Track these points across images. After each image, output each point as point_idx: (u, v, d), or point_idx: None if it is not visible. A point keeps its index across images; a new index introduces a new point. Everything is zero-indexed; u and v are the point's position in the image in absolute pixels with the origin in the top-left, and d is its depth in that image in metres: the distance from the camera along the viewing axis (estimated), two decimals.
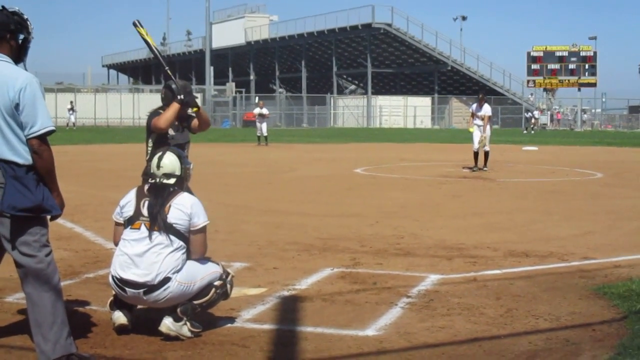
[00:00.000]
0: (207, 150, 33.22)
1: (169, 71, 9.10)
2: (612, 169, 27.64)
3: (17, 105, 5.84)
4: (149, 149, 8.91)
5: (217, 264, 7.19)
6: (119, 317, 6.91)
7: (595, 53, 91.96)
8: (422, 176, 24.14)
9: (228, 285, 7.10)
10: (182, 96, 8.67)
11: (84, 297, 8.23)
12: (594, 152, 40.57)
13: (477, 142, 25.52)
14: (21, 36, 6.17)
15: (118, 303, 6.97)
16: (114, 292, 7.00)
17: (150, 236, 6.80)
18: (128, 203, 7.06)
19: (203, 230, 6.91)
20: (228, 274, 7.16)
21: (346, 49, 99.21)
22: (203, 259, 7.06)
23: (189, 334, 6.82)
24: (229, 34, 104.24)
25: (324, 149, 41.29)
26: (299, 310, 7.47)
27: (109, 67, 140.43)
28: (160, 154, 7.13)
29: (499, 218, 14.92)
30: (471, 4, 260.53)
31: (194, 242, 6.87)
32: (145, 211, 6.90)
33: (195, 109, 8.76)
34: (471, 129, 25.82)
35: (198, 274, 6.87)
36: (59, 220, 10.54)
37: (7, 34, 6.04)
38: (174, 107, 8.67)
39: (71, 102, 73.14)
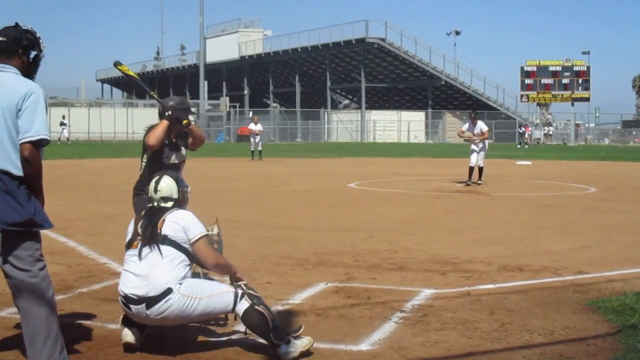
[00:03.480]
0: (201, 165, 33.21)
1: (154, 95, 9.16)
2: (605, 183, 27.68)
3: (19, 111, 5.89)
4: (143, 163, 8.90)
5: (231, 285, 7.00)
6: (127, 335, 6.85)
7: (588, 68, 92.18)
8: (416, 191, 24.15)
9: (248, 292, 6.95)
10: (168, 112, 8.66)
11: (78, 311, 8.20)
12: (588, 166, 40.63)
13: (474, 158, 25.71)
14: (33, 53, 6.33)
15: (127, 321, 6.93)
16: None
17: (141, 251, 6.78)
18: (129, 231, 7.07)
19: (202, 242, 6.84)
20: (242, 292, 6.91)
21: (340, 64, 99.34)
22: (216, 281, 7.04)
23: (306, 341, 6.80)
24: (223, 49, 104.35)
25: (317, 163, 41.29)
26: (293, 324, 7.45)
27: (103, 81, 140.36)
28: (157, 177, 7.16)
29: (493, 232, 14.92)
30: (465, 18, 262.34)
31: (197, 255, 6.83)
32: (140, 231, 6.92)
33: (185, 122, 8.75)
34: (466, 135, 26.53)
35: (204, 291, 6.74)
36: (52, 235, 10.47)
37: (19, 50, 6.21)
38: (162, 124, 8.68)
39: (63, 117, 72.95)
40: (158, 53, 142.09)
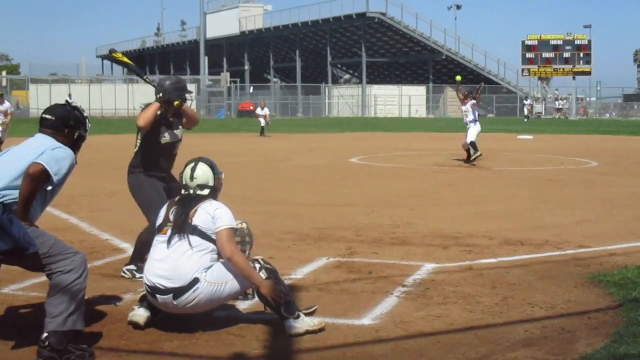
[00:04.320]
0: (202, 141, 33.16)
1: (147, 79, 9.27)
2: (607, 157, 27.67)
3: (41, 154, 6.23)
4: (138, 142, 8.92)
5: (252, 263, 6.97)
6: (137, 316, 6.88)
7: (590, 42, 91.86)
8: (417, 165, 24.16)
9: (266, 266, 6.97)
10: (160, 95, 8.68)
11: None
12: (590, 140, 40.59)
13: (469, 137, 24.31)
14: (78, 133, 6.68)
15: (148, 304, 6.95)
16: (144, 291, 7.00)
17: (171, 239, 6.80)
18: (160, 215, 7.10)
19: (225, 233, 6.73)
20: (260, 266, 6.93)
21: (341, 39, 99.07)
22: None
23: (316, 321, 6.81)
24: (223, 24, 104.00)
25: (319, 138, 41.26)
26: (295, 300, 7.47)
27: (104, 58, 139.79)
28: (192, 165, 7.14)
29: (495, 207, 14.93)
30: None
31: (217, 243, 6.75)
32: (172, 217, 6.93)
33: (176, 103, 8.76)
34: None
35: (228, 274, 6.75)
36: (55, 212, 10.51)
37: (66, 129, 6.57)
38: (153, 106, 8.71)
39: (70, 95, 72.78)
40: (158, 29, 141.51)
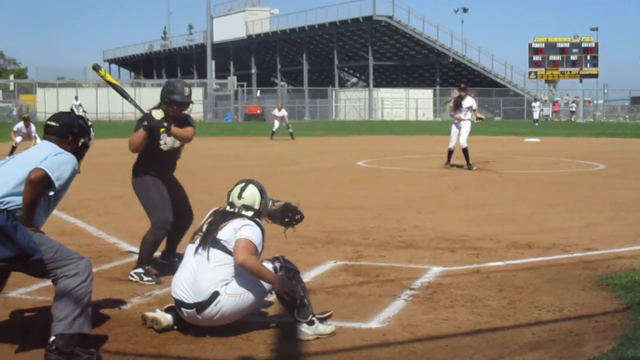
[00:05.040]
0: (209, 144, 33.22)
1: (133, 102, 9.31)
2: (614, 160, 27.62)
3: (44, 159, 6.28)
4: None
5: (272, 262, 6.99)
6: (163, 317, 6.90)
7: (596, 44, 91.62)
8: (424, 168, 24.14)
9: (286, 265, 7.02)
10: (145, 122, 8.77)
11: None
12: (597, 143, 40.51)
13: (462, 139, 23.35)
14: (82, 140, 6.75)
15: (174, 312, 6.97)
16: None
17: (197, 249, 6.85)
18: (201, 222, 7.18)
19: (242, 241, 6.71)
20: (280, 265, 6.98)
21: (347, 42, 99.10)
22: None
23: (329, 329, 6.82)
24: (230, 28, 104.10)
25: (326, 142, 41.29)
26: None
27: (111, 61, 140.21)
28: (243, 185, 7.21)
29: (502, 210, 14.92)
30: None
31: (233, 252, 6.73)
32: (204, 227, 6.97)
33: (162, 130, 8.82)
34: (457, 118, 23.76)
35: (251, 281, 6.74)
36: (62, 215, 10.51)
37: (70, 136, 6.63)
38: (140, 133, 8.83)
39: (76, 97, 73.22)
40: (165, 33, 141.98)
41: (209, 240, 6.81)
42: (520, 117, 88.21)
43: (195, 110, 76.45)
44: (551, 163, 26.49)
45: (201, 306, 6.68)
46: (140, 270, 8.84)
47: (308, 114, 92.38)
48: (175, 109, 9.00)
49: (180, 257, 9.06)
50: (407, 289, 8.39)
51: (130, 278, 8.80)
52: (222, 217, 6.99)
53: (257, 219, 7.09)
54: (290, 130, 42.67)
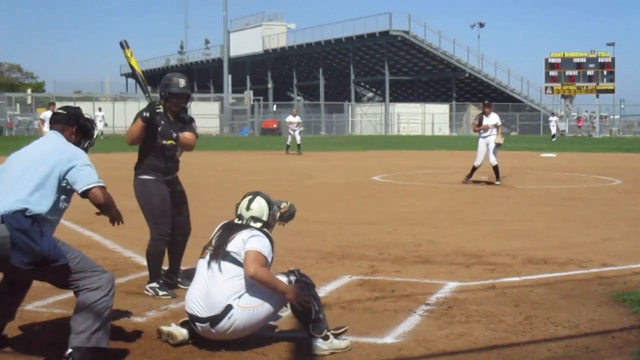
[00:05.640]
0: (225, 158, 33.28)
1: (148, 97, 9.14)
2: (631, 175, 27.55)
3: (69, 170, 6.40)
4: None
5: (287, 275, 6.97)
6: (179, 332, 6.93)
7: (613, 59, 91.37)
8: (440, 183, 24.11)
9: (302, 279, 6.97)
10: (146, 113, 8.73)
11: None
12: (613, 158, 40.40)
13: (491, 157, 23.20)
14: (87, 142, 6.94)
15: (188, 327, 6.99)
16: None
17: (209, 264, 6.86)
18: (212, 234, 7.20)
19: (252, 254, 6.72)
20: (295, 279, 6.94)
21: (364, 57, 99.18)
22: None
23: (344, 344, 6.83)
24: (246, 42, 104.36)
25: (342, 156, 41.27)
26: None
27: (127, 75, 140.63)
28: (250, 197, 7.27)
29: (518, 225, 14.88)
30: (489, 10, 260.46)
31: (244, 265, 6.74)
32: (214, 241, 7.00)
33: (169, 142, 8.82)
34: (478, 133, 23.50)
35: (263, 294, 6.76)
36: (78, 229, 10.54)
37: (75, 125, 6.76)
38: (138, 123, 8.80)
39: (100, 109, 74.17)
40: (182, 47, 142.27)
41: (220, 253, 6.83)
42: (536, 132, 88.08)
43: (212, 125, 76.44)
44: (567, 178, 26.44)
45: (215, 320, 6.69)
46: (154, 284, 8.86)
47: (324, 128, 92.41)
48: (175, 102, 8.95)
49: (184, 276, 9.12)
50: (422, 304, 8.38)
51: (146, 292, 8.82)
52: (230, 229, 7.02)
53: (266, 230, 7.10)
54: (299, 142, 42.57)
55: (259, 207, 7.16)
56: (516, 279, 9.77)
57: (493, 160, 23.21)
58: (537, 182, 24.84)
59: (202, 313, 6.74)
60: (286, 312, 7.31)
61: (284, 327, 7.46)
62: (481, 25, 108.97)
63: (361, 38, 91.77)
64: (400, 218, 15.69)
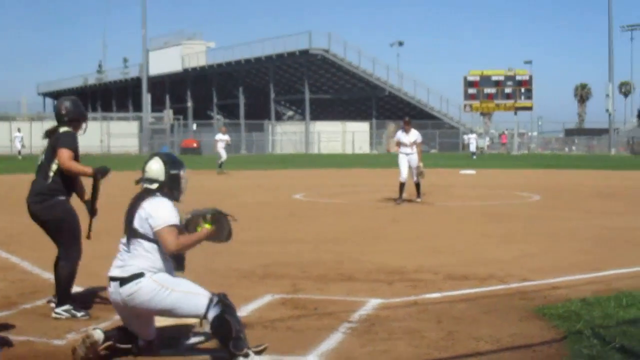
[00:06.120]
0: None
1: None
2: (549, 191, 27.97)
3: None
4: (54, 165, 8.88)
5: (208, 292, 6.96)
6: (94, 332, 6.90)
7: (530, 77, 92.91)
8: (361, 201, 24.19)
9: (225, 301, 6.94)
10: (101, 176, 8.76)
11: (22, 328, 8.08)
12: (532, 174, 40.96)
13: (406, 172, 22.95)
14: None
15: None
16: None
17: (125, 239, 6.99)
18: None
19: (164, 230, 6.81)
20: (217, 298, 6.90)
21: (284, 75, 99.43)
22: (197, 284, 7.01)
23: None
24: (166, 61, 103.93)
25: (263, 175, 41.24)
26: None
27: (45, 94, 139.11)
28: (148, 158, 7.26)
29: (439, 241, 14.99)
30: (408, 29, 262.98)
31: (161, 244, 6.84)
32: (124, 218, 7.08)
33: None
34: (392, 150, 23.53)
35: (180, 285, 6.81)
36: None
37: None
38: (86, 171, 8.77)
39: (18, 129, 73.40)
40: (100, 66, 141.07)
41: (129, 230, 6.94)
42: (456, 150, 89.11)
43: (131, 144, 75.72)
44: (487, 195, 26.73)
45: (124, 280, 6.78)
46: (68, 307, 8.69)
47: (244, 147, 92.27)
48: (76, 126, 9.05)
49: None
50: (345, 322, 8.38)
51: (58, 316, 8.63)
52: (132, 205, 7.07)
53: (163, 190, 7.11)
54: (221, 161, 42.09)
55: (154, 168, 7.13)
56: (438, 294, 9.83)
57: (416, 178, 23.13)
58: (457, 199, 25.07)
59: (118, 273, 6.85)
60: (206, 331, 7.24)
61: (205, 348, 7.40)
62: (400, 43, 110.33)
63: (281, 57, 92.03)
64: (322, 236, 15.71)
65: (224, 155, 42.10)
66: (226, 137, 42.89)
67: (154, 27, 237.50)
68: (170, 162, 7.16)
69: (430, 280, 10.77)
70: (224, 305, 6.84)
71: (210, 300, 6.79)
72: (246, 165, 54.31)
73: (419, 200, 23.12)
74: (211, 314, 6.74)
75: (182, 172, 7.23)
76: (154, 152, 7.34)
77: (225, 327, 6.69)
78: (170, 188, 7.12)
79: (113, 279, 6.86)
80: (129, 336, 6.97)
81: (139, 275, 6.75)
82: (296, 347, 7.40)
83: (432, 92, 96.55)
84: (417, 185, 23.32)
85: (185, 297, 6.75)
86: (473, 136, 76.27)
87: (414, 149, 23.01)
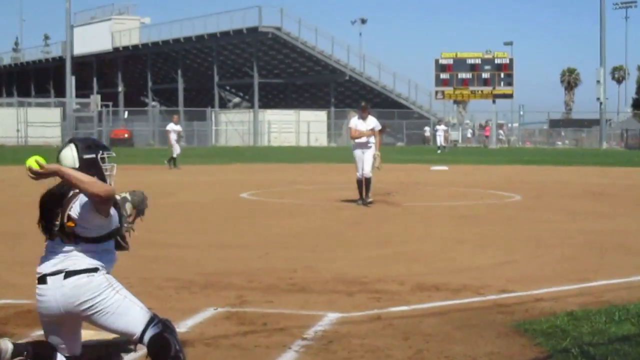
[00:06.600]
0: None
1: None
2: (532, 190, 28.10)
3: None
4: None
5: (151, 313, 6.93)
6: (4, 342, 6.82)
7: (511, 60, 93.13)
8: (318, 201, 24.21)
9: (166, 322, 6.91)
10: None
11: None
12: (512, 171, 41.11)
13: (367, 166, 22.10)
14: None
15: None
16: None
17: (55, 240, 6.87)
18: None
19: (84, 212, 6.68)
20: (158, 319, 6.87)
21: (229, 57, 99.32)
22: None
23: None
24: (93, 39, 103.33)
25: (205, 170, 41.14)
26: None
27: None
28: (62, 146, 7.18)
29: (406, 247, 15.04)
30: (371, 5, 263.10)
31: (93, 205, 6.66)
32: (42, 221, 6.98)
33: None
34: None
35: (126, 292, 6.81)
36: None
37: None
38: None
39: None
40: (17, 44, 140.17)
41: (54, 233, 6.83)
42: (425, 142, 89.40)
43: (52, 134, 75.33)
44: (461, 194, 26.85)
45: (72, 273, 6.66)
46: None
47: (184, 138, 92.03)
48: None
49: None
50: (298, 339, 8.38)
51: None
52: (50, 199, 6.98)
53: None
54: (175, 155, 41.96)
55: (66, 155, 7.04)
56: (405, 308, 9.86)
57: (368, 171, 22.19)
58: (427, 199, 25.17)
59: (61, 266, 6.70)
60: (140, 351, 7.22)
61: None
62: (363, 21, 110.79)
63: (226, 35, 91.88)
64: (272, 241, 15.71)
65: (177, 148, 41.97)
66: (178, 128, 42.84)
67: (79, 0, 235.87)
68: (85, 147, 7.09)
69: (395, 292, 10.79)
70: (164, 325, 6.81)
71: (151, 319, 6.76)
72: (186, 159, 54.08)
73: (369, 201, 22.27)
74: (150, 333, 6.71)
75: (99, 156, 7.16)
76: (70, 138, 7.28)
77: (164, 345, 6.66)
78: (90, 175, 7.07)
79: (54, 273, 6.70)
80: (47, 352, 6.91)
81: (94, 270, 6.69)
82: None
83: (399, 77, 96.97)
84: (367, 181, 22.35)
85: (128, 306, 6.72)
86: (441, 127, 75.77)
87: (371, 140, 22.42)
